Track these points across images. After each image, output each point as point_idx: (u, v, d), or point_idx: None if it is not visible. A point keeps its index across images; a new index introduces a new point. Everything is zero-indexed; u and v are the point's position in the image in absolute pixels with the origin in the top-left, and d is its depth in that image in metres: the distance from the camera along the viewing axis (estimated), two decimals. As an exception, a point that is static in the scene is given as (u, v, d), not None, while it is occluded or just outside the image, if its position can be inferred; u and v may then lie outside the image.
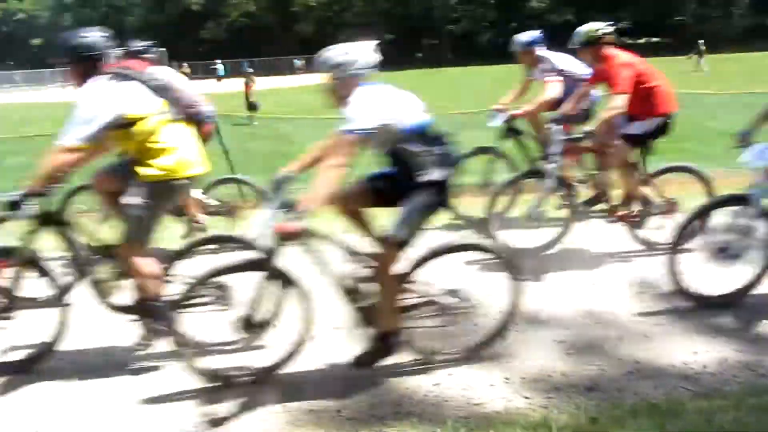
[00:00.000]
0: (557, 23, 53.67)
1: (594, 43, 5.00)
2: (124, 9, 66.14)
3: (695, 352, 3.45)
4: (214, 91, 33.71)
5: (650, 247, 5.05)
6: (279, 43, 61.18)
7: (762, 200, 3.82)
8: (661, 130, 4.94)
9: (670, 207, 5.02)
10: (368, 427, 2.92)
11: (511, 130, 6.04)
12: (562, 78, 5.86)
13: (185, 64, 48.75)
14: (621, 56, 4.90)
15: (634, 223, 5.08)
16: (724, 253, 3.86)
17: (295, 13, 63.58)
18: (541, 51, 6.07)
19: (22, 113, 26.91)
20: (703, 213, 4.04)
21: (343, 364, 3.43)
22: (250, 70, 20.93)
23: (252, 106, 17.65)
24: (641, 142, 4.94)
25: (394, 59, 56.65)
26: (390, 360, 3.36)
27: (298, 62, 53.84)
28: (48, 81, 55.23)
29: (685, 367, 3.31)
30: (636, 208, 5.06)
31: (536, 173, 5.16)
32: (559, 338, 3.69)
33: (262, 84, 22.16)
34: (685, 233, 3.98)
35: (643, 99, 4.86)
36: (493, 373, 3.34)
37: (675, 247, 3.98)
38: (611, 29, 5.05)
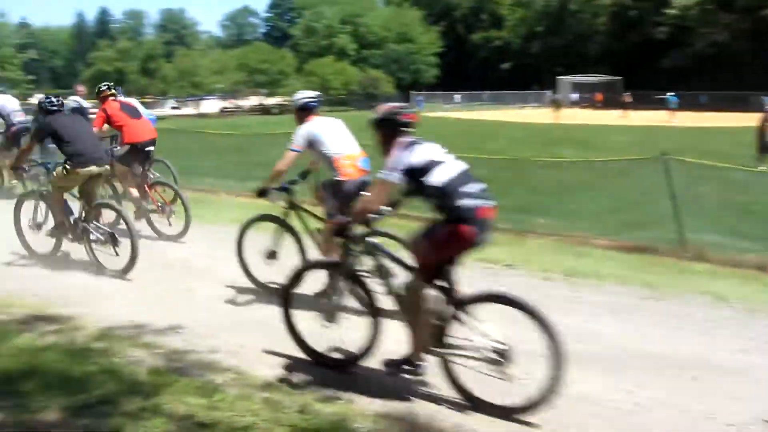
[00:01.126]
0: None
1: (98, 95, 7.88)
2: (587, 37, 68.60)
3: None
4: (662, 123, 32.69)
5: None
6: (745, 76, 55.34)
7: None
8: (135, 153, 7.53)
9: (161, 209, 7.67)
10: None
11: None
12: None
13: (627, 94, 48.16)
14: (110, 105, 7.72)
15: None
16: None
17: (775, 42, 56.52)
18: None
19: (484, 129, 30.44)
20: None
21: None
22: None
23: (765, 148, 14.72)
24: (128, 162, 7.53)
25: None
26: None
27: (768, 99, 47.72)
28: (510, 102, 61.02)
29: None
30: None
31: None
32: None
33: (721, 120, 20.36)
34: None
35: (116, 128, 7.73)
36: None
37: None
38: (106, 87, 7.92)
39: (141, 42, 67.28)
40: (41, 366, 3.80)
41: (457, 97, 64.82)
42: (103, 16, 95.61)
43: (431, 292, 3.61)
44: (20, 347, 4.15)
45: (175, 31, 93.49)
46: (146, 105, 11.51)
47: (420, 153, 3.61)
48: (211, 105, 56.49)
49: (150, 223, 7.58)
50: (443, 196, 3.52)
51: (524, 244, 7.48)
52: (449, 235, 3.50)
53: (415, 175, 3.57)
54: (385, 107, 3.93)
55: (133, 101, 8.81)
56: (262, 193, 5.29)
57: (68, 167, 6.10)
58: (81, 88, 12.92)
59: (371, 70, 67.75)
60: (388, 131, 3.77)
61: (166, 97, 57.87)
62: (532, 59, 71.43)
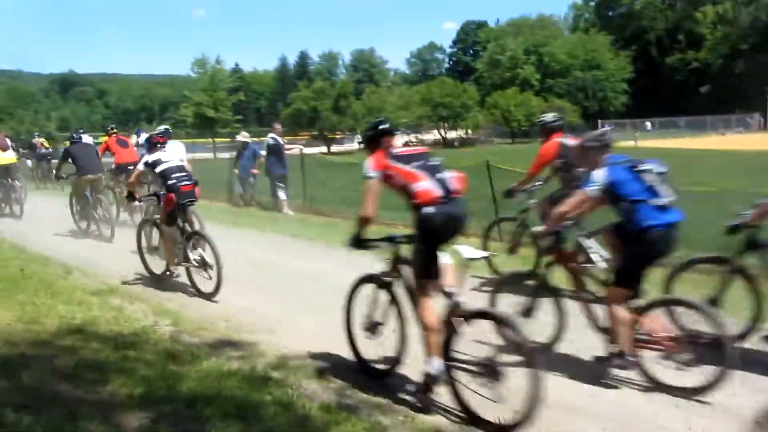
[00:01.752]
0: None
1: (106, 133, 13.08)
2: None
3: None
4: None
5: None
6: None
7: None
8: (121, 170, 11.67)
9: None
10: None
11: None
12: None
13: None
14: (111, 139, 12.11)
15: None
16: None
17: None
18: None
19: (680, 158, 28.05)
20: None
21: None
22: None
23: None
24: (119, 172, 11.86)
25: None
26: None
27: None
28: (710, 128, 56.09)
29: None
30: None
31: None
32: None
33: None
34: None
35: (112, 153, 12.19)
36: None
37: None
38: (111, 128, 13.13)
39: (334, 82, 71.64)
40: (223, 391, 3.98)
41: (649, 124, 60.79)
42: (303, 59, 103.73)
43: (173, 230, 7.16)
44: (207, 371, 4.41)
45: (365, 69, 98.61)
46: (335, 141, 12.81)
47: (154, 155, 7.30)
48: (396, 140, 58.41)
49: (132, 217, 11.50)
50: (162, 178, 7.13)
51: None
52: (165, 197, 7.05)
53: (151, 166, 7.20)
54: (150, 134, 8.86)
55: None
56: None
57: (77, 176, 10.61)
58: (279, 126, 14.06)
59: (555, 100, 65.96)
60: (150, 146, 7.67)
61: (354, 132, 60.96)
62: (736, 80, 65.13)
